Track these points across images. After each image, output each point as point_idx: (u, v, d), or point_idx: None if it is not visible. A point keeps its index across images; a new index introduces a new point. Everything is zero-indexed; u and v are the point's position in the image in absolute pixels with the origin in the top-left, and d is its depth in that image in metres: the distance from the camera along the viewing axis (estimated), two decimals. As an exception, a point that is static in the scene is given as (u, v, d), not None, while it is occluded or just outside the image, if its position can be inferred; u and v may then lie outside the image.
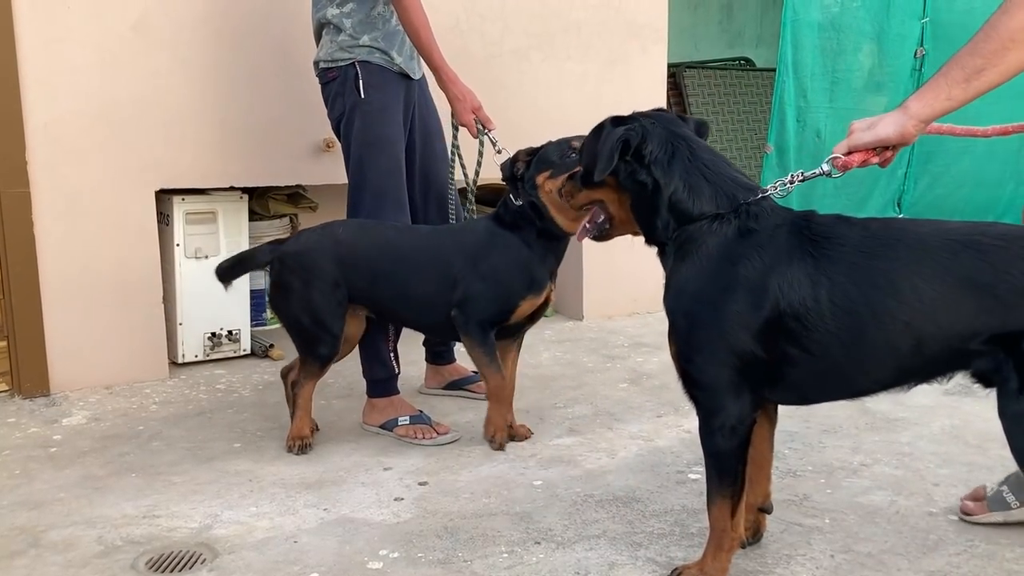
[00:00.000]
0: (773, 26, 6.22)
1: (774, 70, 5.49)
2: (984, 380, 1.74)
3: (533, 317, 2.77)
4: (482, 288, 2.64)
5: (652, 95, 4.56)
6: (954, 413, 3.01)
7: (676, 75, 6.57)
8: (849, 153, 1.87)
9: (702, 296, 1.83)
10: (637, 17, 4.44)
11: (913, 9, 5.81)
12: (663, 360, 3.75)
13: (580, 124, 4.12)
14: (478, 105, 2.87)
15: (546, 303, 2.75)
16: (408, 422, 2.84)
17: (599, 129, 1.93)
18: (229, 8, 3.49)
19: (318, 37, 2.93)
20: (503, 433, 2.73)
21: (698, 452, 2.70)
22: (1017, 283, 1.63)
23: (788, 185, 1.92)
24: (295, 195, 4.16)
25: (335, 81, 2.85)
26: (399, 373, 2.96)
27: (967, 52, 1.79)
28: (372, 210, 2.85)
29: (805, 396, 1.91)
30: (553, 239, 2.68)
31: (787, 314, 1.75)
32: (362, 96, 2.80)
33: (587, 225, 2.10)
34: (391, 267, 2.70)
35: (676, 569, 2.00)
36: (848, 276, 1.73)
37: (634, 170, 1.89)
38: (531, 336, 4.06)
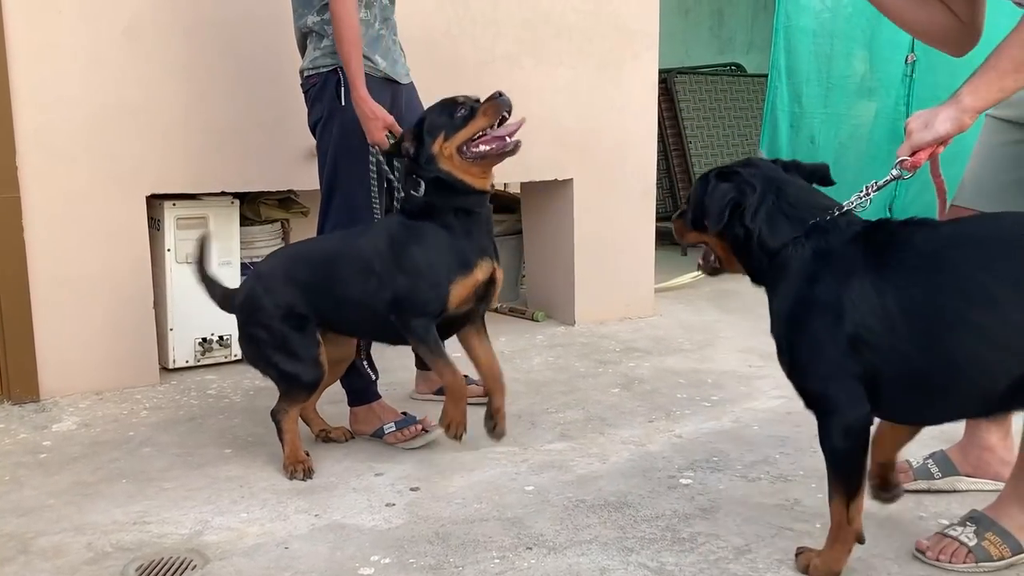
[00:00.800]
0: (764, 32, 6.25)
1: (765, 76, 5.50)
2: None
3: (483, 298, 2.61)
4: (406, 283, 2.50)
5: (643, 100, 4.57)
6: (944, 418, 3.02)
7: (667, 80, 6.58)
8: (914, 153, 1.94)
9: (794, 319, 1.93)
10: (628, 23, 4.45)
11: (903, 15, 5.83)
12: (655, 365, 3.76)
13: (572, 129, 4.14)
14: (391, 121, 2.76)
15: (492, 282, 2.59)
16: (395, 428, 2.84)
17: (705, 181, 2.06)
18: (220, 14, 3.49)
19: (302, 47, 2.91)
20: (462, 427, 2.58)
21: (689, 457, 2.72)
22: (998, 281, 1.68)
23: (864, 198, 1.99)
24: (287, 200, 4.15)
25: (315, 87, 2.83)
26: (377, 379, 2.94)
27: (1014, 45, 1.86)
28: (342, 218, 2.82)
29: (907, 414, 1.96)
30: (471, 213, 2.53)
31: (862, 326, 1.80)
32: (342, 103, 2.77)
33: (700, 262, 2.20)
34: (319, 280, 2.62)
35: (799, 549, 2.08)
36: (911, 280, 1.78)
37: (732, 223, 1.99)
38: (522, 341, 4.05)
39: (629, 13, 4.45)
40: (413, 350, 2.68)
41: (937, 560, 2.05)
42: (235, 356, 3.78)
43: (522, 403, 3.24)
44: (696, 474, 2.61)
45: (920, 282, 1.77)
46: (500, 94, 2.48)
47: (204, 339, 3.69)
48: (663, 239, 4.95)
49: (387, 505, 2.41)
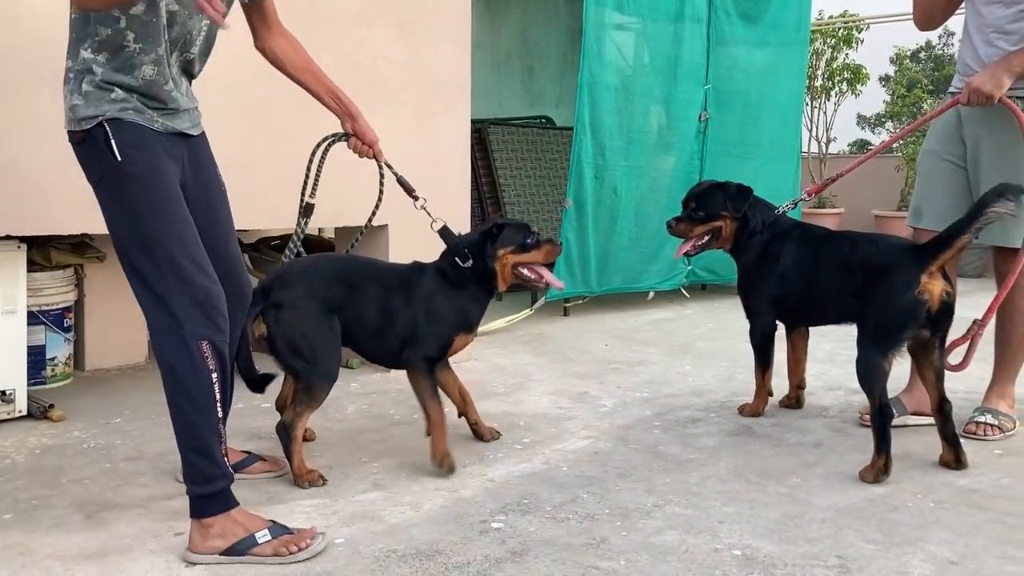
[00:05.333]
0: (572, 87, 6.53)
1: (572, 128, 5.75)
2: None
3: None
4: (429, 328, 3.03)
5: (457, 149, 4.66)
6: (737, 453, 3.22)
7: (481, 131, 6.74)
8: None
9: (757, 265, 3.51)
10: (442, 75, 4.54)
11: (697, 76, 6.29)
12: (469, 410, 3.78)
13: (388, 176, 4.14)
14: None
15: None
16: (270, 537, 2.34)
17: (719, 187, 3.60)
18: (4, 48, 3.27)
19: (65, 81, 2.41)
20: (449, 458, 2.99)
21: (501, 500, 2.75)
22: (829, 259, 3.29)
23: (788, 207, 3.67)
24: (81, 244, 3.92)
25: (84, 143, 2.35)
26: (233, 477, 2.43)
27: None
28: (184, 272, 2.33)
29: (797, 320, 3.64)
30: (488, 296, 3.14)
31: (786, 269, 3.41)
32: (119, 159, 2.30)
33: (689, 248, 3.62)
34: (360, 298, 3.00)
35: (741, 406, 3.70)
36: (807, 251, 3.39)
37: (743, 209, 3.51)
38: (336, 389, 3.97)
39: (442, 66, 4.54)
40: (412, 385, 3.06)
41: (974, 434, 3.39)
42: (19, 412, 3.48)
43: (334, 453, 3.18)
44: (507, 517, 2.64)
45: (809, 252, 3.37)
46: (560, 243, 3.41)
47: (-17, 395, 3.39)
48: (477, 285, 5.00)
49: (187, 567, 2.29)
